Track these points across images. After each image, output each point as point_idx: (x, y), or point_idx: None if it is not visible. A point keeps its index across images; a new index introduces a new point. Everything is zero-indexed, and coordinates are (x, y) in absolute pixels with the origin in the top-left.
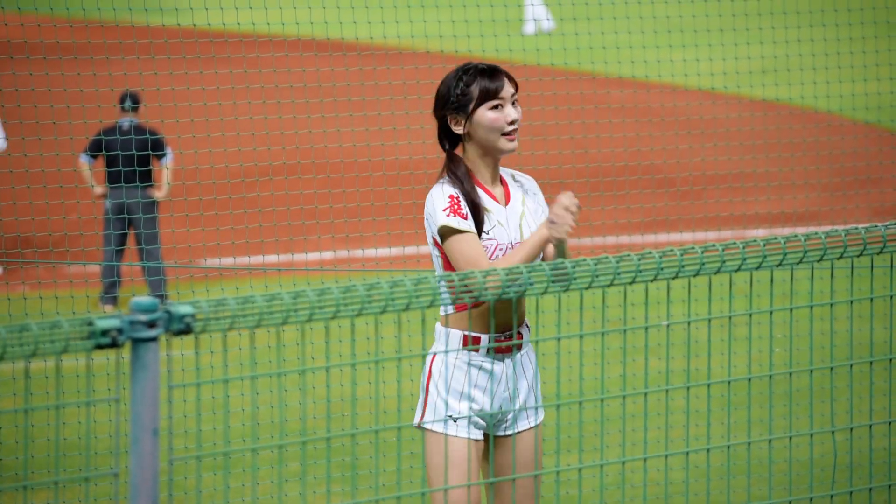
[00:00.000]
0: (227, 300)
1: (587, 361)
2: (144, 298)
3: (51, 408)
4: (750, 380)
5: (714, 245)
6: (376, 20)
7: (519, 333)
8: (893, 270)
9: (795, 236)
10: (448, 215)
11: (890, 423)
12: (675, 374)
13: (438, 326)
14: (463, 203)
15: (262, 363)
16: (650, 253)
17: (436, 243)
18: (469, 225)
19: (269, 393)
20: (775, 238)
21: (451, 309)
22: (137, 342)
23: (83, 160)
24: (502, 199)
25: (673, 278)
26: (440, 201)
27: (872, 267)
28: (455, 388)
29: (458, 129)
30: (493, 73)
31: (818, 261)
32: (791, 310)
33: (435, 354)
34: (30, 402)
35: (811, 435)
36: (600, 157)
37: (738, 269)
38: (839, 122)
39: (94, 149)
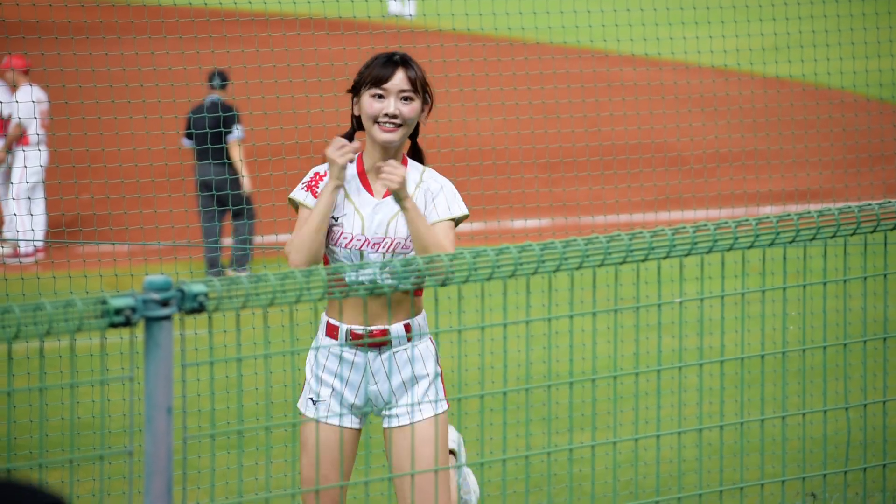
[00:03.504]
0: (240, 279)
1: (600, 339)
2: (157, 277)
3: (65, 386)
4: (763, 357)
5: (727, 222)
6: None
7: (385, 330)
8: None
9: (808, 213)
10: (301, 189)
11: None
12: (688, 352)
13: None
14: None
15: (275, 342)
16: (662, 230)
17: None
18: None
19: (283, 372)
20: (788, 215)
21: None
22: (151, 321)
23: (185, 143)
24: (380, 192)
25: (685, 255)
26: (307, 175)
27: (886, 243)
28: (316, 373)
29: (354, 110)
30: (389, 63)
31: (831, 237)
32: (804, 287)
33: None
34: (44, 381)
35: (825, 412)
36: (613, 136)
37: (751, 247)
38: (852, 98)
39: (188, 128)
